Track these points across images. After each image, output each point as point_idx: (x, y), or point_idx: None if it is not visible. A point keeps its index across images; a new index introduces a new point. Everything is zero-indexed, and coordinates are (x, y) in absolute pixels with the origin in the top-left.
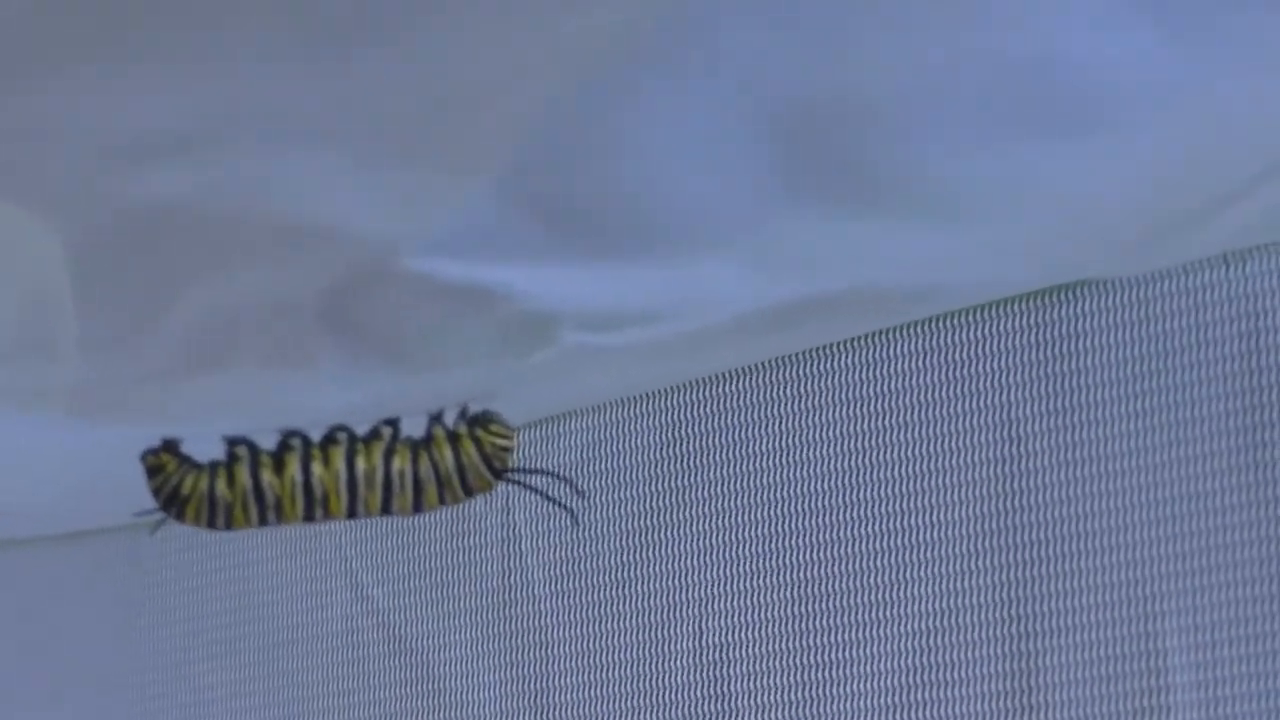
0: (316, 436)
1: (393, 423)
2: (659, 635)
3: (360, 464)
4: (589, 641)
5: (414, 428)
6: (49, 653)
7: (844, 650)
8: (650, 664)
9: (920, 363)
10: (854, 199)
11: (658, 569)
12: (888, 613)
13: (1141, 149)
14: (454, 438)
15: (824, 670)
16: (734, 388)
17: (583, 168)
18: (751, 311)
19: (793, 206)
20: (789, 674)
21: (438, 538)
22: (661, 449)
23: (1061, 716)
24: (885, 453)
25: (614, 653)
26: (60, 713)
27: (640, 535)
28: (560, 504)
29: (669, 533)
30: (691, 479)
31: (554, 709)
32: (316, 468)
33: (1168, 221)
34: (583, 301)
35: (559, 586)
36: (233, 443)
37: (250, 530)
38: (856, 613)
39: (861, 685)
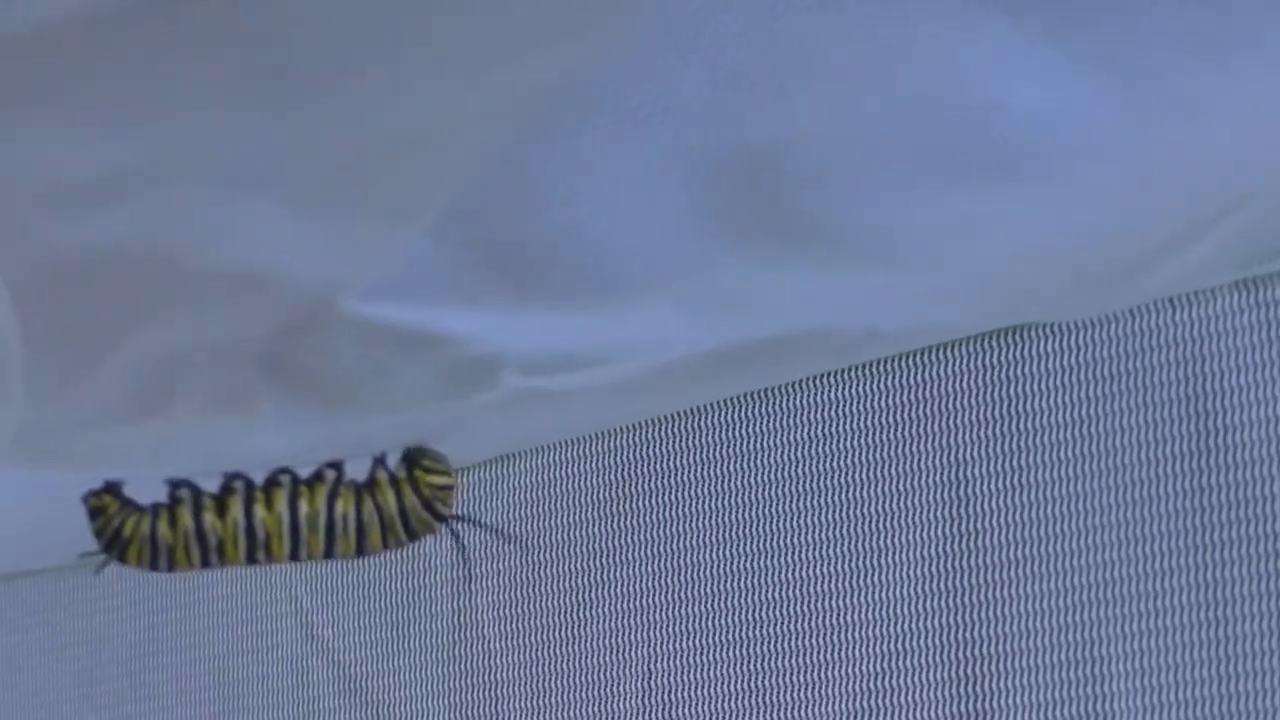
0: (259, 479)
1: (336, 465)
2: (608, 675)
3: (303, 507)
4: (539, 681)
5: (358, 470)
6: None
7: (793, 692)
8: (599, 704)
9: (866, 404)
10: (791, 245)
11: (607, 608)
12: (835, 654)
13: (1079, 197)
14: (396, 481)
15: (772, 711)
16: (681, 428)
17: (521, 213)
18: (693, 355)
19: (730, 252)
20: (737, 715)
21: (388, 576)
22: (609, 489)
23: None
24: (832, 494)
25: (563, 693)
26: None
27: (589, 575)
28: (508, 540)
29: (617, 573)
30: (639, 519)
31: None
32: (259, 510)
33: (1109, 268)
34: (524, 345)
35: (508, 626)
36: (175, 485)
37: (193, 572)
38: (805, 654)
39: None
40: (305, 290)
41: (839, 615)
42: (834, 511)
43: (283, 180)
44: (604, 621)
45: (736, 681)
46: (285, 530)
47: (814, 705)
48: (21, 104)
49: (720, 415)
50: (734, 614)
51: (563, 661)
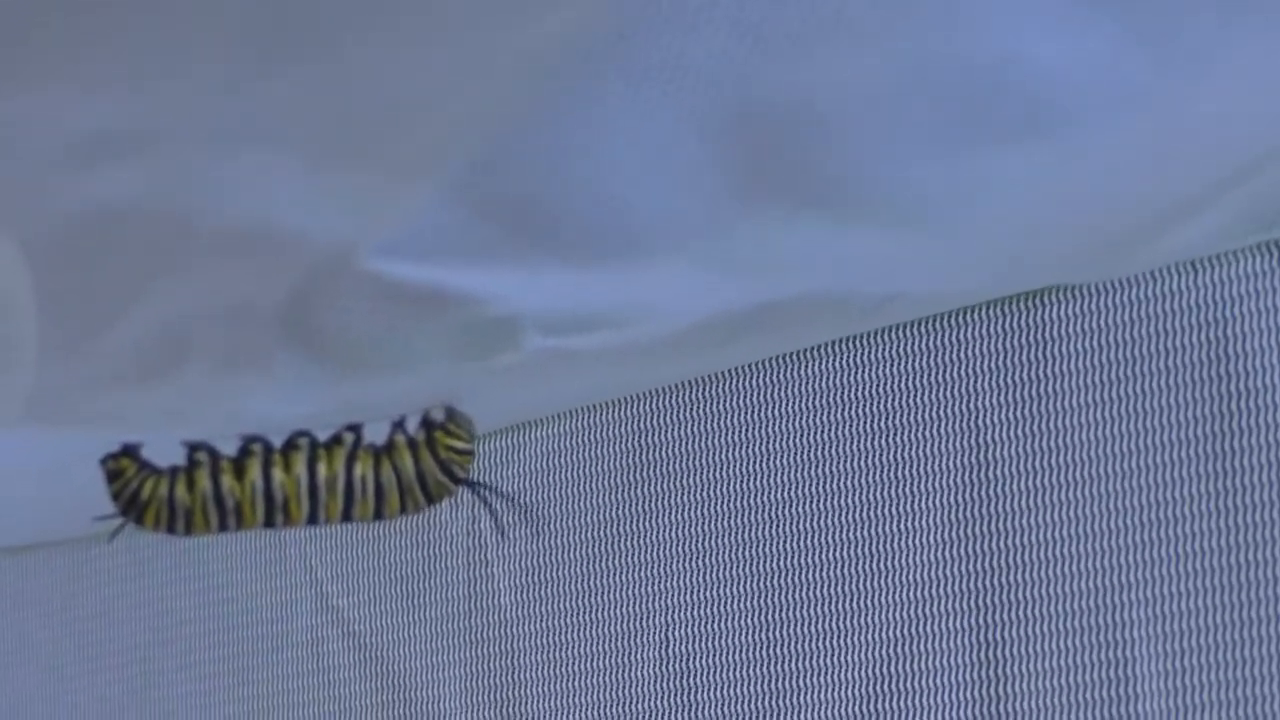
0: (278, 442)
1: (355, 429)
2: (624, 643)
3: (321, 470)
4: (554, 650)
5: (377, 435)
6: (10, 660)
7: (809, 659)
8: (616, 672)
9: (886, 370)
10: (811, 205)
11: (623, 577)
12: (853, 621)
13: (1102, 154)
14: (415, 444)
15: (789, 679)
16: (698, 395)
17: (538, 171)
18: (712, 316)
19: (749, 211)
20: (754, 682)
21: (403, 546)
22: (626, 457)
23: None
24: (851, 460)
25: (579, 661)
26: (24, 708)
27: (605, 543)
28: (521, 511)
29: (634, 540)
30: (656, 487)
31: (520, 717)
32: (277, 473)
33: (1134, 227)
34: (542, 305)
35: (524, 595)
36: (193, 448)
37: (210, 536)
38: (822, 621)
39: (827, 694)
40: (320, 248)
41: (858, 582)
42: (853, 478)
43: (295, 137)
44: (620, 590)
45: (754, 649)
46: (303, 493)
47: (832, 673)
48: (32, 61)
49: (737, 382)
50: (751, 581)
51: (579, 630)
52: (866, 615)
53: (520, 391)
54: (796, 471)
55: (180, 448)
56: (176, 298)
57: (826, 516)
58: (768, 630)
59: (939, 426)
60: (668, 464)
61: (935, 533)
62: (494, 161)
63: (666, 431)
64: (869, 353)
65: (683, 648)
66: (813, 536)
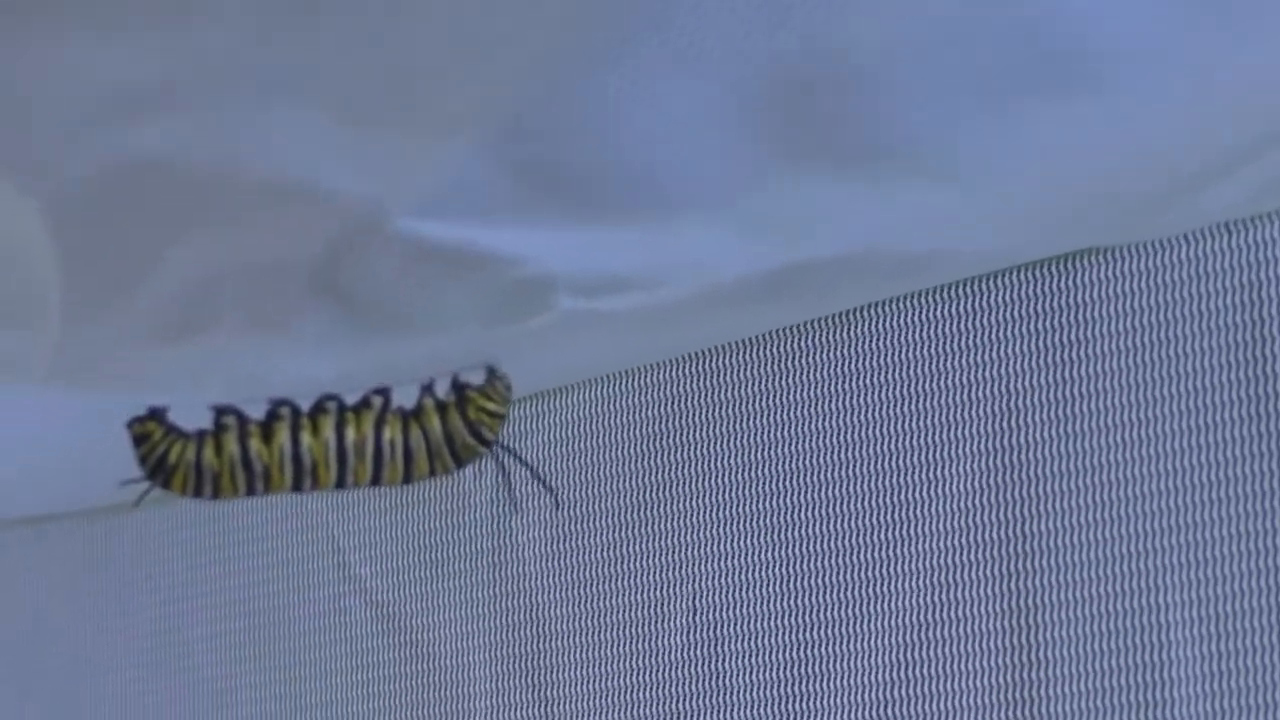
0: (306, 406)
1: (383, 392)
2: (653, 611)
3: (350, 433)
4: (581, 619)
5: (406, 399)
6: (31, 635)
7: (840, 626)
8: (644, 640)
9: (916, 335)
10: (848, 162)
11: (651, 544)
12: (884, 588)
13: (1144, 110)
14: (443, 407)
15: (819, 646)
16: (728, 362)
17: (572, 131)
18: (746, 278)
19: (785, 170)
20: (784, 650)
21: (426, 515)
22: (653, 424)
23: (1062, 691)
24: (881, 426)
25: (607, 629)
26: (44, 697)
27: (633, 510)
28: (544, 484)
29: (661, 508)
30: (685, 454)
31: (546, 686)
32: (305, 437)
33: (1169, 186)
34: (575, 266)
35: (551, 563)
36: (220, 411)
37: (238, 499)
38: (852, 588)
39: (857, 661)
40: (352, 206)
41: (888, 549)
42: (883, 444)
43: (328, 91)
44: (648, 558)
45: (783, 617)
46: (332, 457)
47: (862, 639)
48: (59, 12)
49: (766, 348)
50: (780, 548)
51: (606, 599)
52: (897, 582)
53: (549, 356)
54: (826, 437)
55: (207, 411)
56: (205, 256)
57: (856, 483)
58: (797, 597)
59: (970, 391)
60: (695, 430)
61: (966, 498)
62: (528, 121)
63: (694, 398)
64: (898, 318)
65: (711, 615)
66: (843, 503)
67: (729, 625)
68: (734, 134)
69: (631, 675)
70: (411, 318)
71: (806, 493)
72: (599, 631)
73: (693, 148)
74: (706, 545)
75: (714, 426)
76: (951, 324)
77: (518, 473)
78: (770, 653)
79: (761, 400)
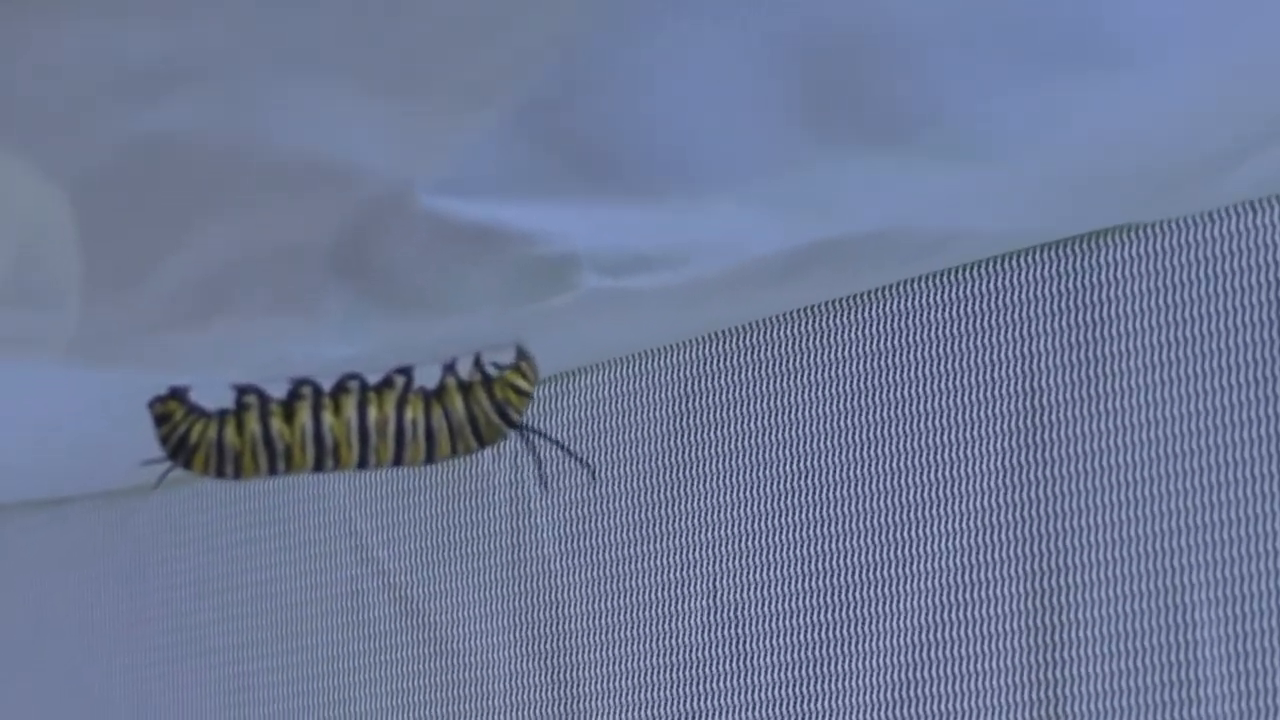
0: (328, 385)
1: (405, 371)
2: (673, 594)
3: (372, 413)
4: (600, 601)
5: (428, 379)
6: (46, 617)
7: (862, 608)
8: (664, 623)
9: (941, 314)
10: (877, 136)
11: (672, 526)
12: (908, 569)
13: (1176, 83)
14: (467, 387)
15: (841, 628)
16: (750, 342)
17: (599, 104)
18: (772, 256)
19: (813, 144)
20: (805, 631)
21: (445, 497)
22: (676, 405)
23: (1087, 671)
24: (905, 406)
25: (627, 612)
26: (59, 679)
27: (653, 492)
28: (576, 458)
29: (683, 489)
30: (707, 435)
31: (565, 669)
32: (327, 416)
33: (1199, 163)
34: (600, 244)
35: (570, 545)
36: (242, 391)
37: (260, 479)
38: (875, 569)
39: (881, 642)
40: (375, 184)
41: (911, 529)
42: (907, 424)
43: (351, 66)
44: (669, 539)
45: (805, 598)
46: (354, 436)
47: (884, 621)
48: None
49: (788, 328)
50: (801, 529)
51: (626, 580)
52: (920, 564)
53: (572, 335)
54: (849, 418)
55: (229, 391)
56: (227, 236)
57: (880, 463)
58: (819, 579)
59: (995, 371)
60: (717, 411)
61: (991, 478)
62: (553, 95)
63: (716, 378)
64: (923, 297)
65: (733, 596)
66: (866, 484)
67: (750, 607)
68: (764, 107)
69: (651, 658)
70: (435, 297)
71: (828, 474)
72: (618, 614)
73: (722, 121)
74: (727, 527)
75: (736, 407)
76: (976, 303)
77: (546, 451)
78: (792, 634)
79: (784, 381)
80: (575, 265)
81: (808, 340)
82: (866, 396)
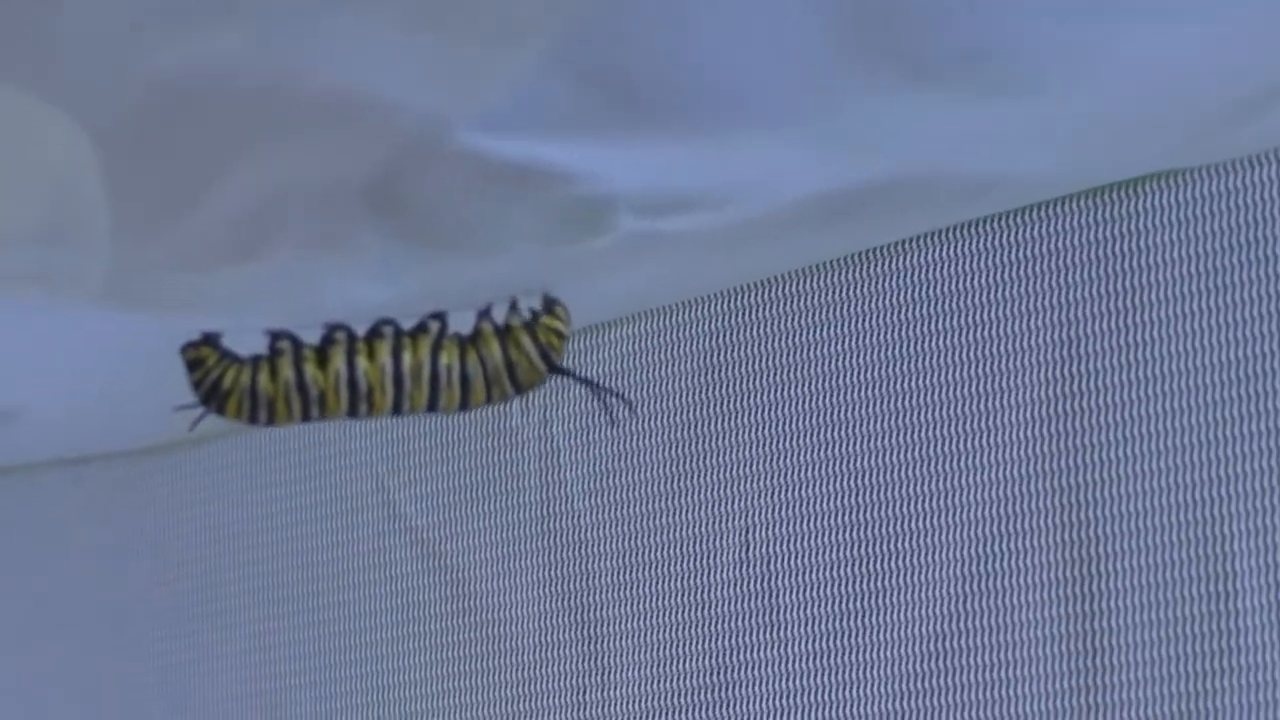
0: (362, 330)
1: (440, 317)
2: (704, 547)
3: (406, 358)
4: (631, 555)
5: (462, 326)
6: (74, 573)
7: (896, 559)
8: (695, 576)
9: (976, 264)
10: (922, 72)
11: (702, 479)
12: (941, 520)
13: (1216, 23)
14: (504, 332)
15: (875, 580)
16: (783, 293)
17: (639, 39)
18: (811, 198)
19: (856, 81)
20: (837, 584)
21: (472, 452)
22: (705, 356)
23: (1126, 622)
24: (940, 357)
25: (657, 565)
26: (83, 634)
27: (684, 445)
28: (609, 400)
29: (714, 442)
30: (736, 386)
31: (596, 624)
32: (361, 361)
33: (1237, 106)
34: (639, 184)
35: (600, 499)
36: (275, 336)
37: (293, 424)
38: (909, 520)
39: (914, 594)
40: (413, 121)
41: (944, 480)
42: (940, 374)
43: (389, 1)
44: (700, 492)
45: (837, 550)
46: (388, 381)
47: (918, 573)
48: None
49: (822, 279)
50: (835, 481)
51: (656, 535)
52: (955, 514)
53: (606, 283)
54: (882, 369)
55: (261, 337)
56: (263, 174)
57: (913, 414)
58: (852, 530)
59: (1030, 320)
60: (748, 363)
61: (1028, 428)
62: (593, 30)
63: (748, 330)
64: (957, 246)
65: (764, 550)
66: (898, 435)
67: (781, 560)
68: (808, 42)
69: (682, 611)
70: (471, 237)
71: (862, 425)
72: (649, 567)
73: (766, 56)
74: (759, 479)
75: (768, 359)
76: (1012, 252)
77: (562, 411)
78: (824, 586)
79: (817, 331)
80: (613, 207)
81: (842, 291)
82: (901, 347)
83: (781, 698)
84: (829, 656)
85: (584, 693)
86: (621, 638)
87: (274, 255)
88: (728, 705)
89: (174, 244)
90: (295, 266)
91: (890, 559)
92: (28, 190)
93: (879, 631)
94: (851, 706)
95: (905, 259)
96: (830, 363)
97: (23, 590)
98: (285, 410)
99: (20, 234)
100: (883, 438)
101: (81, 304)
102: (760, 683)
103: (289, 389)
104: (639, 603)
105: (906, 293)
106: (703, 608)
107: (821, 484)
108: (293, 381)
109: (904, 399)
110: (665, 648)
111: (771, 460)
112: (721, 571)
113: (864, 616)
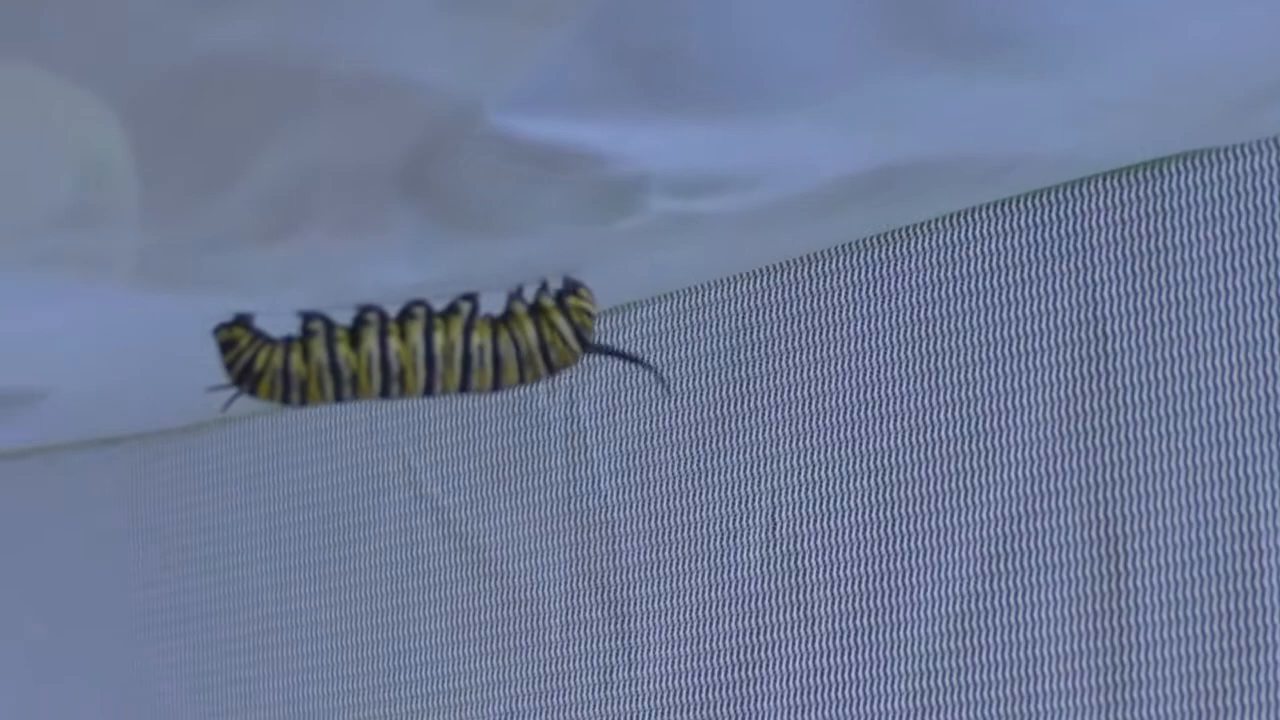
0: (393, 312)
1: (471, 298)
2: (730, 526)
3: (438, 339)
4: (657, 535)
5: (492, 308)
6: (96, 553)
7: (922, 539)
8: (722, 555)
9: (1002, 244)
10: (954, 51)
11: (729, 459)
12: (967, 499)
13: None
14: (537, 311)
15: (901, 559)
16: (809, 274)
17: (671, 20)
18: (840, 179)
19: (887, 61)
20: (864, 564)
21: (498, 432)
22: (733, 337)
23: (1153, 601)
24: (966, 337)
25: (683, 545)
26: (108, 615)
27: (710, 425)
28: (649, 369)
29: (740, 422)
30: (762, 368)
31: (622, 603)
32: (393, 343)
33: (1266, 87)
34: (671, 164)
35: (626, 479)
36: (307, 317)
37: (325, 405)
38: (935, 500)
39: (939, 574)
40: (445, 101)
41: (971, 460)
42: (967, 354)
43: None
44: (726, 473)
45: (863, 530)
46: (420, 362)
47: (945, 552)
48: None
49: (849, 259)
50: (861, 461)
51: (683, 515)
52: (982, 493)
53: (634, 264)
54: (908, 349)
55: (294, 318)
56: (293, 156)
57: (938, 394)
58: (878, 510)
59: (1055, 301)
60: (775, 343)
61: (1051, 408)
62: (624, 10)
63: (773, 311)
64: (983, 227)
65: (791, 528)
66: (923, 415)
67: (808, 539)
68: (839, 21)
69: (709, 591)
70: (502, 218)
71: (889, 404)
72: (675, 547)
73: (797, 35)
74: (786, 459)
75: (794, 340)
76: (1040, 232)
77: (591, 390)
78: (850, 565)
79: (843, 312)
80: (644, 187)
81: (868, 271)
82: (927, 327)
83: (807, 676)
84: (855, 635)
85: (610, 671)
86: (648, 618)
87: (305, 236)
88: (753, 684)
89: (205, 225)
90: (327, 247)
91: (916, 538)
92: (57, 172)
93: (905, 610)
94: (877, 685)
95: (932, 239)
96: (856, 343)
97: (48, 571)
98: (318, 391)
99: (51, 216)
100: (909, 417)
101: (113, 286)
102: (786, 661)
103: (321, 370)
104: (665, 582)
105: (933, 272)
106: (729, 587)
107: (848, 464)
108: (325, 363)
109: (930, 379)
110: (691, 627)
111: (798, 440)
112: (748, 551)
113: (890, 596)
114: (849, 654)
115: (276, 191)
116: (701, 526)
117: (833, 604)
